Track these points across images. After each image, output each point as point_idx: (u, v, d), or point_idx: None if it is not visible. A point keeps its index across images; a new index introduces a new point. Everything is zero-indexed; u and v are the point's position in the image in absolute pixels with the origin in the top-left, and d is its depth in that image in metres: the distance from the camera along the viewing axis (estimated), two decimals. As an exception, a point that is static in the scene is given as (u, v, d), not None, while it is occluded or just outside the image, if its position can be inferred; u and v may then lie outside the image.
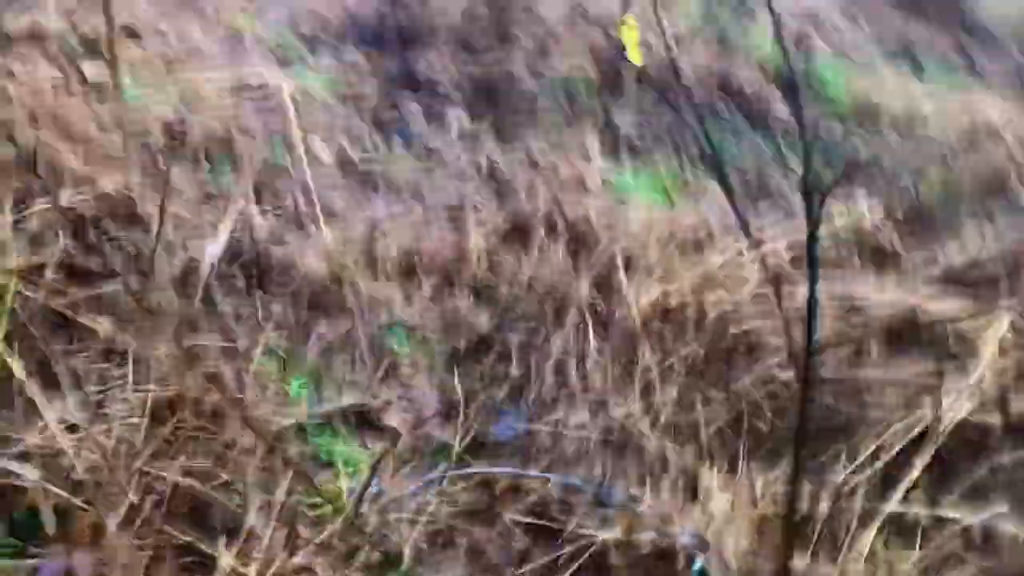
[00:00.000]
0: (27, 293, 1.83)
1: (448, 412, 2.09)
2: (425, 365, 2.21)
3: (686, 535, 1.59)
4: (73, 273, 1.93)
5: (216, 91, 2.78)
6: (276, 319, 2.19)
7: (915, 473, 1.61)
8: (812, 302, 1.10)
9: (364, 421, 2.05)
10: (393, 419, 2.08)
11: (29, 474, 1.34)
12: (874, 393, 1.85)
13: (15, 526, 1.37)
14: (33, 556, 1.32)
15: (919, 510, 1.65)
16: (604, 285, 2.30)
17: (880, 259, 2.23)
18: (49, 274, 1.81)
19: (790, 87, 3.94)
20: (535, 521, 1.82)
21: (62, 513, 1.37)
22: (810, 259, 1.10)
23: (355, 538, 1.74)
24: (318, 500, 1.78)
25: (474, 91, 3.34)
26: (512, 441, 2.03)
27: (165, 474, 1.62)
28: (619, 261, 2.25)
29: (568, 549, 1.74)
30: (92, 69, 2.60)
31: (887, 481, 1.66)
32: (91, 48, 2.62)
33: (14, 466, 1.35)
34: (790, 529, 1.28)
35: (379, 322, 2.29)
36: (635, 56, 2.79)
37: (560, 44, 3.65)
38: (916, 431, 1.64)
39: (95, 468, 1.48)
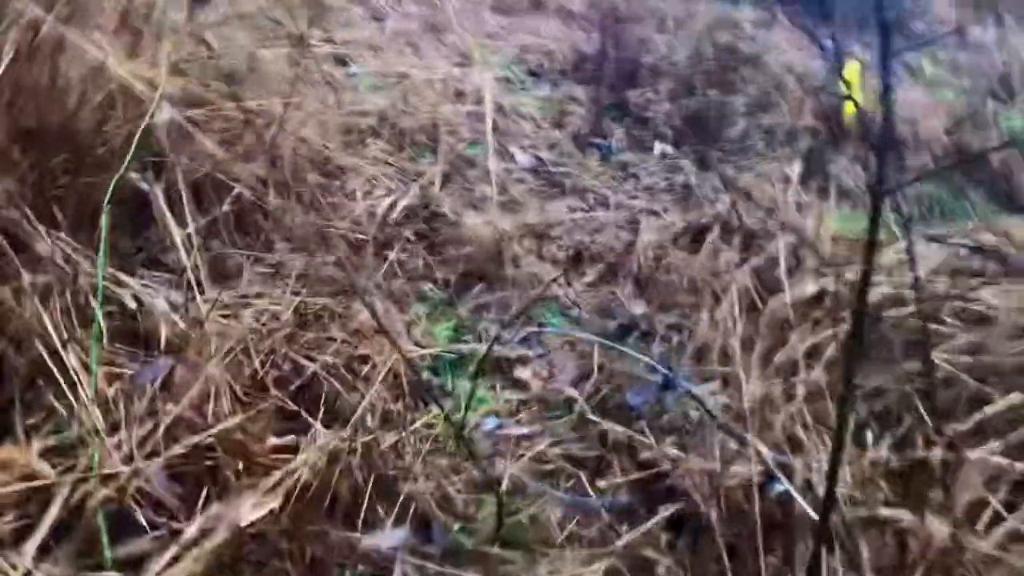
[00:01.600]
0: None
1: (583, 376, 2.08)
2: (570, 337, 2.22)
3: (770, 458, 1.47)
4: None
5: (433, 92, 3.02)
6: (437, 273, 2.31)
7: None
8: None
9: (498, 370, 2.08)
10: (526, 373, 2.09)
11: (159, 304, 1.50)
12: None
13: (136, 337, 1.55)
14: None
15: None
16: (766, 278, 2.21)
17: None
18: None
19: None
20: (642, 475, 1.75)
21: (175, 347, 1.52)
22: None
23: (461, 457, 1.76)
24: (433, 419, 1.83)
25: (684, 125, 3.37)
26: (640, 408, 1.96)
27: (292, 354, 1.73)
28: (781, 252, 2.15)
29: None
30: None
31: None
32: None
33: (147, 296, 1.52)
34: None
35: (534, 295, 2.33)
36: (856, 95, 2.71)
37: (781, 94, 3.61)
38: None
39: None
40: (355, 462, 1.55)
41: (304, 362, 1.76)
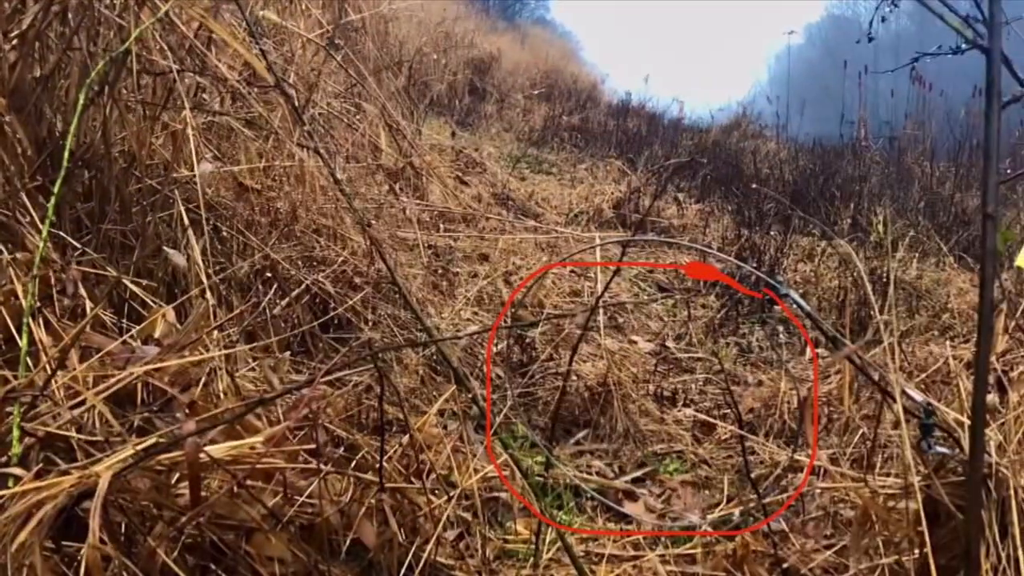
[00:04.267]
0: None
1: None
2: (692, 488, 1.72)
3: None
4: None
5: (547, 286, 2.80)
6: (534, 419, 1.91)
7: None
8: None
9: (601, 502, 1.60)
10: (638, 509, 1.59)
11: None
12: None
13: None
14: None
15: None
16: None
17: None
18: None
19: None
20: None
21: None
22: None
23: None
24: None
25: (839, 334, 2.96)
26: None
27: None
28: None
29: None
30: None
31: None
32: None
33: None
34: None
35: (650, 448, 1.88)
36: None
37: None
38: None
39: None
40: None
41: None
